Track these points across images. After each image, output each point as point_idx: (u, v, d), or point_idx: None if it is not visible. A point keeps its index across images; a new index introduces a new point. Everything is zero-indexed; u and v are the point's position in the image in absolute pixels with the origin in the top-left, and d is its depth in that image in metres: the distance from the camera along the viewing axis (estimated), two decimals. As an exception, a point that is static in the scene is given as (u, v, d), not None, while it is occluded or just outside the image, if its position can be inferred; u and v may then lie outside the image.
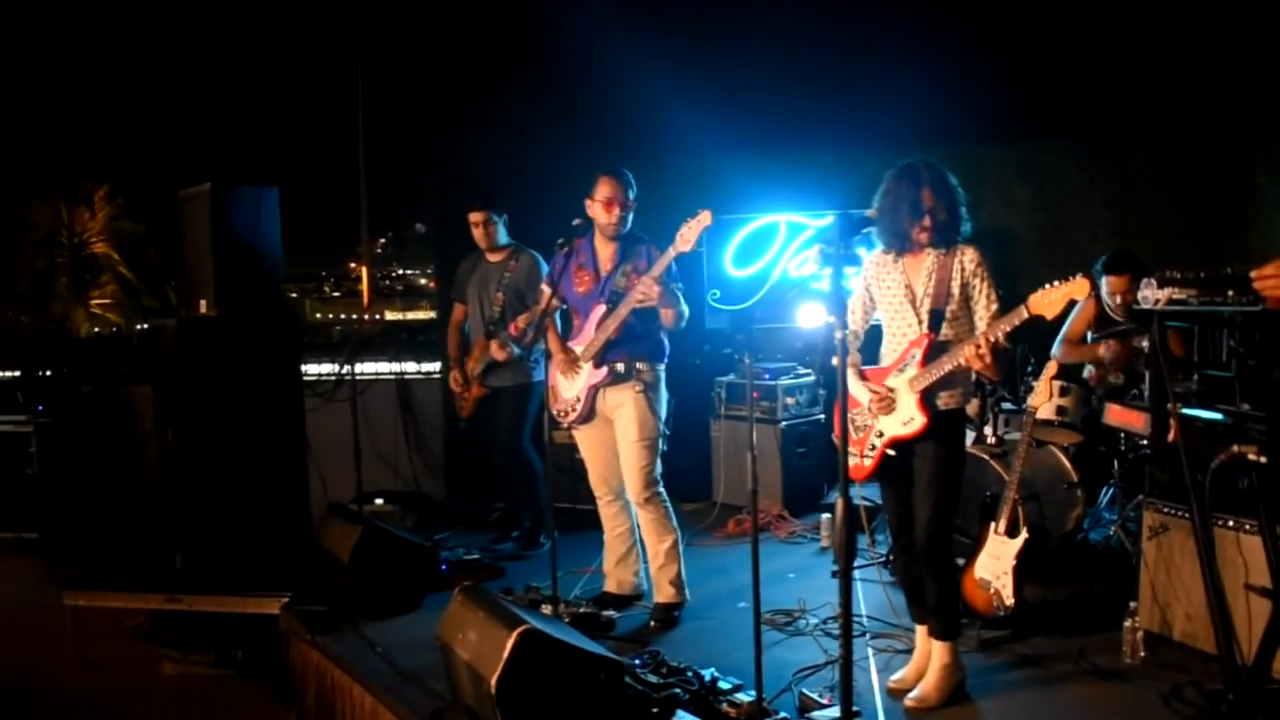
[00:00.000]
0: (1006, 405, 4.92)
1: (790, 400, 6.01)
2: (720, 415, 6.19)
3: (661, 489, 4.25)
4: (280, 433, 4.82)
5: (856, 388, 3.54)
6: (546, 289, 4.38)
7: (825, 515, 5.30)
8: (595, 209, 4.20)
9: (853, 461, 3.55)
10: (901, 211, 3.33)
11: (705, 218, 3.78)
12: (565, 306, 4.46)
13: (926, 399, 3.37)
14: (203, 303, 4.76)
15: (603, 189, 4.18)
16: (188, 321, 4.77)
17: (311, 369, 6.24)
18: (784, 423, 5.93)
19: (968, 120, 6.16)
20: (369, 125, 6.54)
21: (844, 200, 5.94)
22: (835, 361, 2.67)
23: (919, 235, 3.35)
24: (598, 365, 4.21)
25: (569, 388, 4.33)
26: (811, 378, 6.10)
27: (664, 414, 4.27)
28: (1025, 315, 3.14)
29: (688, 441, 5.73)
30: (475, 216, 5.20)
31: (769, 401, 5.97)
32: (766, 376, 6.00)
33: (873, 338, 3.68)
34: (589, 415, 4.29)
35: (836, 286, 2.75)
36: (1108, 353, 4.73)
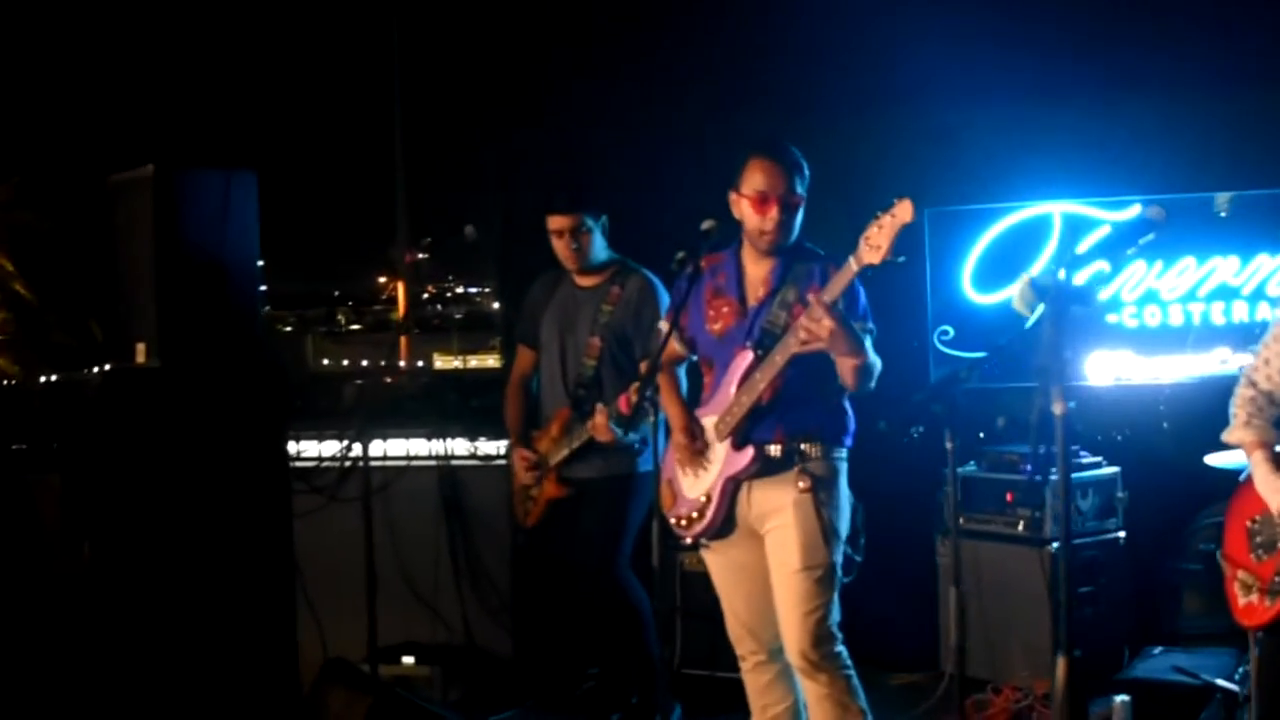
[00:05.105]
0: None
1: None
2: (951, 530, 6.17)
3: (842, 648, 4.31)
4: (255, 549, 4.93)
5: (1267, 483, 3.69)
6: (665, 325, 4.56)
7: (1120, 698, 5.23)
8: (743, 207, 4.34)
9: (1244, 599, 3.70)
10: None
11: (904, 211, 3.85)
12: (693, 356, 4.64)
13: None
14: (140, 347, 4.91)
15: (753, 177, 4.30)
16: (117, 375, 4.92)
17: (309, 449, 6.24)
18: (1058, 543, 5.89)
19: None
20: (410, 77, 6.65)
21: (1161, 179, 5.94)
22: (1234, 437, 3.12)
23: None
24: (739, 446, 4.34)
25: (694, 484, 4.48)
26: (1108, 470, 6.09)
27: (846, 527, 4.37)
28: None
29: (896, 571, 5.76)
30: (559, 222, 5.36)
31: (1031, 508, 5.97)
32: (1027, 467, 6.00)
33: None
34: (724, 526, 4.42)
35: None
36: None
